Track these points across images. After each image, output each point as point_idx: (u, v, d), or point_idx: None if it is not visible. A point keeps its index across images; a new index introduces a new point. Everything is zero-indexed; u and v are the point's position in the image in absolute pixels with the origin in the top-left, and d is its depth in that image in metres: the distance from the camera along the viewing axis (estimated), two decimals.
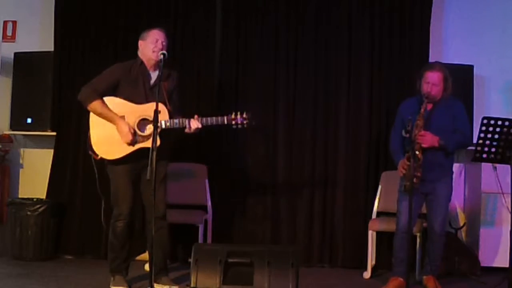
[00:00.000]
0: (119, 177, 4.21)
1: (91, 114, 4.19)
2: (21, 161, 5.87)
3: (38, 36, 5.80)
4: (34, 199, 5.28)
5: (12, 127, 5.64)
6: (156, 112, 3.76)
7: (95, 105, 4.15)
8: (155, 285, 4.20)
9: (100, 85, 4.19)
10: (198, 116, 4.18)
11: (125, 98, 4.19)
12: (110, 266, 4.31)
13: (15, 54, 5.63)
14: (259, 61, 5.42)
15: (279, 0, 5.42)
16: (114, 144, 4.15)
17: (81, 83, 5.36)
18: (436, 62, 4.68)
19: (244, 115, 4.18)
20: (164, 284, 4.36)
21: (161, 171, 4.21)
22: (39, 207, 5.16)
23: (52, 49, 5.55)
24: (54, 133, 5.52)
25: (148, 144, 4.01)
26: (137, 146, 4.13)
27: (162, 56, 4.02)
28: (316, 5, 5.40)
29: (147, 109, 4.04)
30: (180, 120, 4.17)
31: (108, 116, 4.15)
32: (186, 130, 4.18)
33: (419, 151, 4.17)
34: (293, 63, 5.40)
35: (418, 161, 4.15)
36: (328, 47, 5.39)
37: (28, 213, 5.14)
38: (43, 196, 5.43)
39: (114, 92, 4.21)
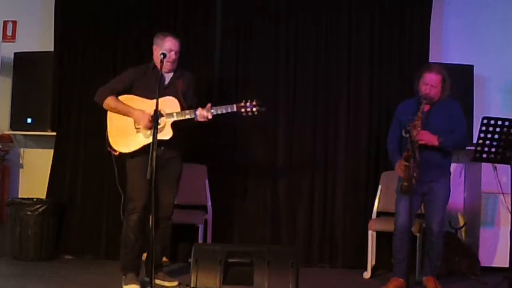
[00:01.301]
0: (135, 172, 4.25)
1: (108, 112, 4.29)
2: (21, 161, 5.87)
3: (38, 36, 5.79)
4: (34, 199, 5.27)
5: (12, 127, 5.64)
6: (156, 112, 3.83)
7: (109, 101, 4.26)
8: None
9: (116, 86, 4.31)
10: (211, 105, 4.20)
11: (141, 96, 4.28)
12: (123, 263, 4.32)
13: (15, 54, 5.63)
14: (259, 61, 5.42)
15: (279, 0, 5.43)
16: (129, 136, 4.22)
17: (81, 83, 5.45)
18: (434, 63, 4.67)
19: (254, 102, 4.19)
20: (161, 279, 4.42)
21: (176, 169, 4.35)
22: (39, 207, 5.16)
23: (52, 49, 5.54)
24: (54, 133, 5.52)
25: (162, 135, 4.11)
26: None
27: (162, 56, 4.11)
28: (316, 6, 5.40)
29: (161, 104, 4.04)
30: (191, 110, 4.20)
31: (122, 109, 4.24)
32: (196, 119, 4.21)
33: (416, 150, 4.16)
34: (293, 63, 5.40)
35: (415, 161, 4.14)
36: (328, 47, 5.39)
37: (28, 213, 5.13)
38: (43, 196, 5.42)
39: (129, 93, 4.31)
